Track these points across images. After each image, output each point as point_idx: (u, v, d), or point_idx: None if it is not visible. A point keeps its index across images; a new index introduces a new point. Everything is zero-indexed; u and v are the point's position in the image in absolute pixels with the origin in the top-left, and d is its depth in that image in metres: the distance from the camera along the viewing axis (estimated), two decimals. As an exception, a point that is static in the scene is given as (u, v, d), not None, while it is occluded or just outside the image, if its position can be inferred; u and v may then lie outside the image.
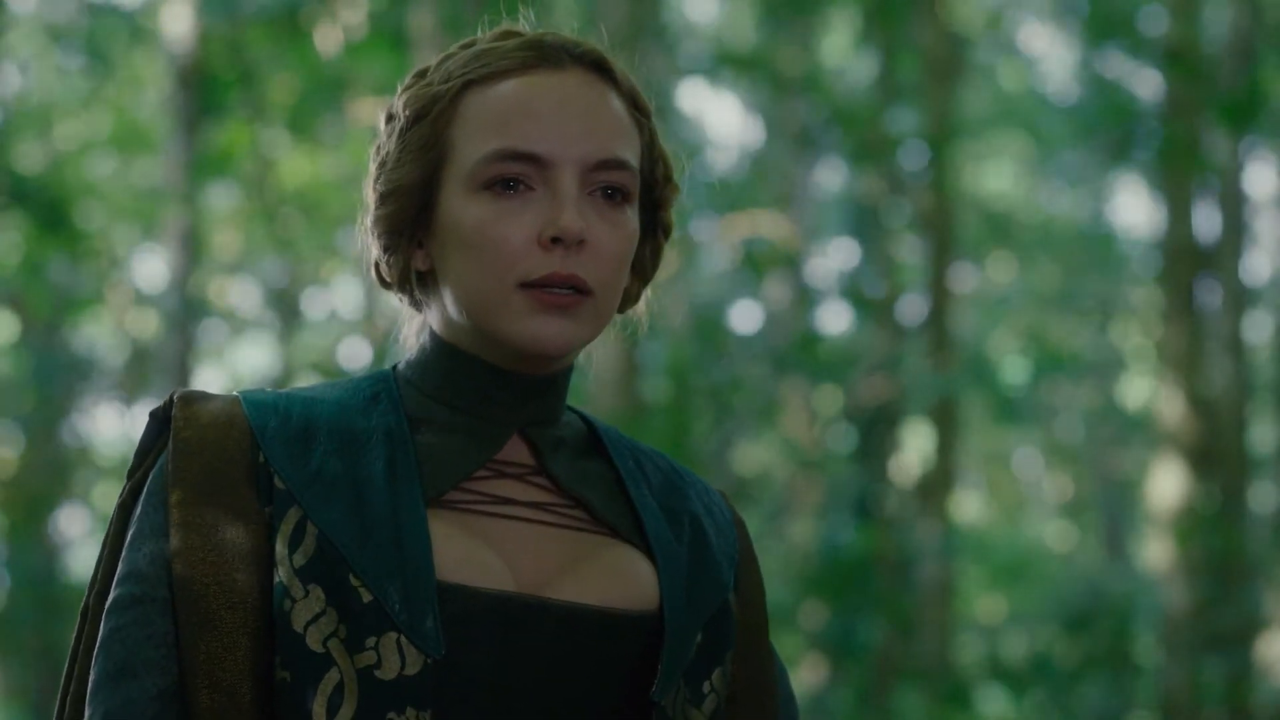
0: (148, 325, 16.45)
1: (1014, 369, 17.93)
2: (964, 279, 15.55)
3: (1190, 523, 11.48)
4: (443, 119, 1.71)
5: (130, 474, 1.71)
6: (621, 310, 1.80)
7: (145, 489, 1.67)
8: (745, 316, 16.65)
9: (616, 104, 1.72)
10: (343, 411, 1.70)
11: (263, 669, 1.59)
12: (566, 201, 1.65)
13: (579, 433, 1.78)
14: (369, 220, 1.75)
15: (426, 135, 1.71)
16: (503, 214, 1.66)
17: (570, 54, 1.72)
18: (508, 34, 1.75)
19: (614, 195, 1.69)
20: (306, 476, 1.64)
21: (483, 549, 1.66)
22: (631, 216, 1.71)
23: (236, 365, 18.11)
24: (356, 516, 1.62)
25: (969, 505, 19.15)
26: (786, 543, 14.64)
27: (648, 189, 1.76)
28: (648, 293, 1.82)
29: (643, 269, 1.79)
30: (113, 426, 18.76)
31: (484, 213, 1.66)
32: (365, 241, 1.77)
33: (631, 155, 1.71)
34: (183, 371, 12.21)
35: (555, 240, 1.65)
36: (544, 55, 1.72)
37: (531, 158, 1.66)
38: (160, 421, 1.70)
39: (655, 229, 1.78)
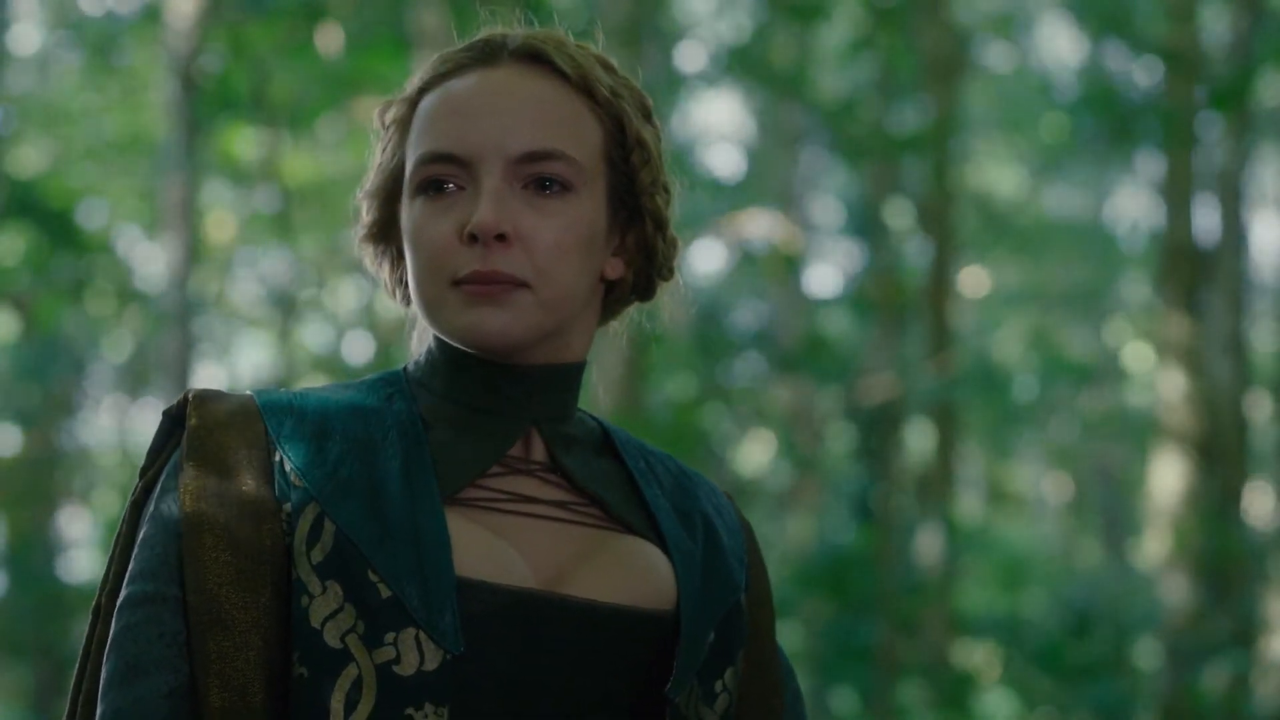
0: (148, 324, 16.44)
1: (1023, 385, 17.82)
2: (966, 278, 15.54)
3: (1190, 522, 11.47)
4: (402, 127, 1.73)
5: (143, 472, 1.70)
6: (629, 303, 1.80)
7: (158, 487, 1.66)
8: (745, 317, 16.65)
9: (555, 94, 1.69)
10: (357, 413, 1.70)
11: (274, 670, 1.59)
12: (483, 198, 1.64)
13: (591, 433, 1.78)
14: (358, 231, 1.79)
15: (393, 144, 1.73)
16: (433, 215, 1.66)
17: (508, 49, 1.71)
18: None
19: (549, 186, 1.67)
20: (323, 475, 1.63)
21: (501, 545, 1.66)
22: (576, 205, 1.68)
23: (238, 364, 18.12)
24: (374, 516, 1.62)
25: (969, 504, 19.13)
26: (786, 541, 14.65)
27: (621, 177, 1.73)
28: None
29: (632, 258, 1.76)
30: (113, 426, 18.77)
31: (418, 216, 1.67)
32: (359, 251, 1.79)
33: (570, 144, 1.68)
34: (183, 370, 12.18)
35: (474, 238, 1.64)
36: (480, 54, 1.71)
37: (452, 158, 1.66)
38: (173, 419, 1.70)
39: (642, 217, 1.75)
